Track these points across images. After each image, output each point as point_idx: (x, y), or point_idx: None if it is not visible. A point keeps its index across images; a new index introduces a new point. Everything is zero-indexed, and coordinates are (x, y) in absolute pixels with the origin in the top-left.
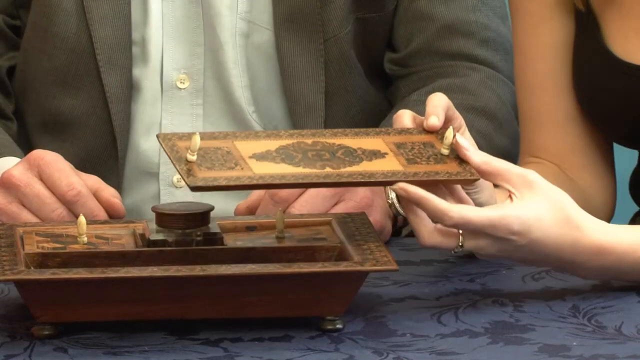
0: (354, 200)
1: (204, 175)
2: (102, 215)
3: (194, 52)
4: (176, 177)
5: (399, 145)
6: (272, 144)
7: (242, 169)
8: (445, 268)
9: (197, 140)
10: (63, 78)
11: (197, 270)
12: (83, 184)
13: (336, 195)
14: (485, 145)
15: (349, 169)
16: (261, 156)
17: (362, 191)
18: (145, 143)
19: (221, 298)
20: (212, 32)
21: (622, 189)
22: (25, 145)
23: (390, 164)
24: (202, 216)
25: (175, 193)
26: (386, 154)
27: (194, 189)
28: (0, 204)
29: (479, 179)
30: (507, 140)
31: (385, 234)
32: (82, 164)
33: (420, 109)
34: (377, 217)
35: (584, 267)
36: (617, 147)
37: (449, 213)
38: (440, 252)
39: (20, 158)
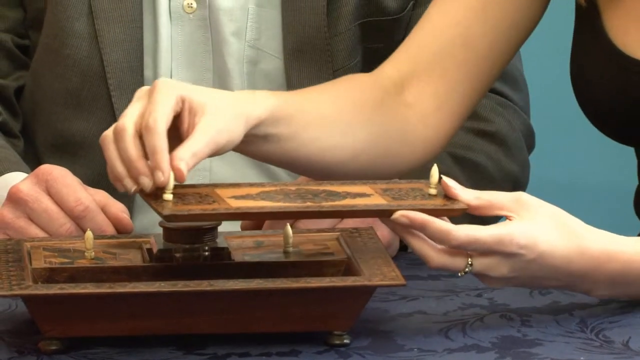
0: None
1: (180, 207)
2: (109, 230)
3: (203, 77)
4: None
5: (385, 190)
6: (254, 190)
7: (219, 204)
8: (453, 283)
9: (172, 179)
10: (74, 100)
11: (205, 285)
12: (91, 199)
13: None
14: (494, 170)
15: (331, 203)
16: (240, 197)
17: None
18: None
19: (229, 313)
20: (220, 58)
21: (627, 206)
22: (34, 164)
23: (374, 201)
24: (210, 231)
25: None
26: (371, 195)
27: (168, 217)
28: (8, 219)
29: (467, 209)
30: (517, 166)
31: (393, 249)
32: (92, 186)
33: None
34: (385, 232)
35: (593, 278)
36: (620, 162)
37: (454, 233)
38: None
39: (28, 174)
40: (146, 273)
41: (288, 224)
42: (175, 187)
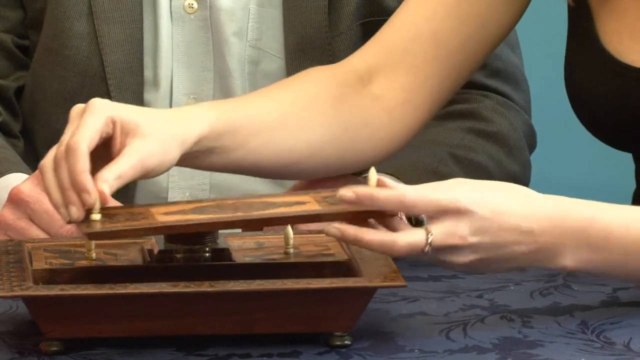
0: None
1: (105, 225)
2: None
3: (203, 78)
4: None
5: (325, 197)
6: (188, 206)
7: (147, 220)
8: (454, 284)
9: (98, 202)
10: (74, 101)
11: (206, 286)
12: None
13: None
14: (495, 170)
15: (260, 212)
16: (172, 213)
17: None
18: None
19: (230, 314)
20: (220, 58)
21: None
22: (33, 165)
23: (308, 207)
24: (210, 233)
25: None
26: (308, 202)
27: (90, 235)
28: (9, 220)
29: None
30: (518, 166)
31: None
32: None
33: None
34: None
35: (559, 239)
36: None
37: (407, 194)
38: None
39: (28, 175)
40: (147, 274)
41: (289, 225)
42: (109, 208)
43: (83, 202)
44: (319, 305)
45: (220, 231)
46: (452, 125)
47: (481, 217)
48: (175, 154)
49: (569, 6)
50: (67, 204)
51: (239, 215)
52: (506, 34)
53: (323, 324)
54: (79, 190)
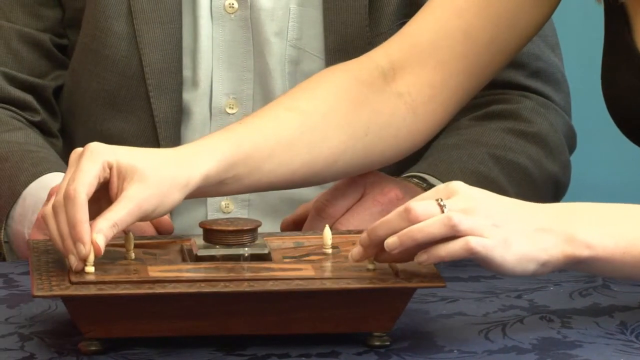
0: None
1: (97, 277)
2: (150, 231)
3: (243, 78)
4: (224, 202)
5: (322, 266)
6: (187, 266)
7: (138, 274)
8: (493, 284)
9: (92, 254)
10: (113, 101)
11: (245, 286)
12: None
13: (383, 212)
14: (535, 171)
15: (251, 274)
16: (167, 270)
17: None
18: None
19: (268, 314)
20: (261, 58)
21: None
22: None
23: (303, 273)
24: (250, 232)
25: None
26: (305, 269)
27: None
28: None
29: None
30: (558, 167)
31: None
32: None
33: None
34: None
35: (570, 210)
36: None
37: (413, 204)
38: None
39: None
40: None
41: (327, 225)
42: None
43: (78, 254)
44: (358, 306)
45: (259, 230)
46: (492, 125)
47: (500, 200)
48: (176, 196)
49: (605, 10)
50: (67, 253)
51: (237, 275)
52: (534, 34)
53: (362, 324)
54: (75, 240)
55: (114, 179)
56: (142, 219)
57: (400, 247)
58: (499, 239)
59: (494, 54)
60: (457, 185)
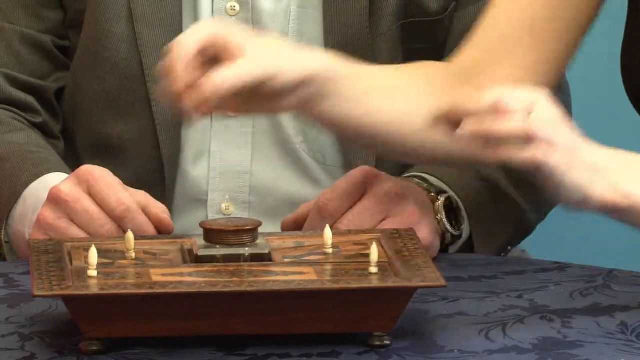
0: (402, 216)
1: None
2: (150, 230)
3: None
4: (224, 204)
5: (325, 270)
6: (189, 269)
7: (141, 279)
8: (493, 284)
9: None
10: (113, 103)
11: (245, 286)
12: (132, 200)
13: (384, 212)
14: None
15: (253, 278)
16: (170, 274)
17: (410, 207)
18: (194, 170)
19: (269, 314)
20: None
21: None
22: (74, 166)
23: (304, 277)
24: (250, 232)
25: None
26: (307, 273)
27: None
28: (49, 220)
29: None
30: None
31: (433, 250)
32: None
33: None
34: (425, 233)
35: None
36: None
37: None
38: (489, 269)
39: (68, 175)
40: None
41: (328, 224)
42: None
43: (171, 82)
44: (358, 306)
45: (260, 230)
46: None
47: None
48: (295, 70)
49: (628, 6)
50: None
51: (238, 280)
52: (592, 22)
53: (362, 324)
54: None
55: (221, 50)
56: (266, 80)
57: (474, 133)
58: (564, 161)
59: (562, 45)
60: (541, 99)
